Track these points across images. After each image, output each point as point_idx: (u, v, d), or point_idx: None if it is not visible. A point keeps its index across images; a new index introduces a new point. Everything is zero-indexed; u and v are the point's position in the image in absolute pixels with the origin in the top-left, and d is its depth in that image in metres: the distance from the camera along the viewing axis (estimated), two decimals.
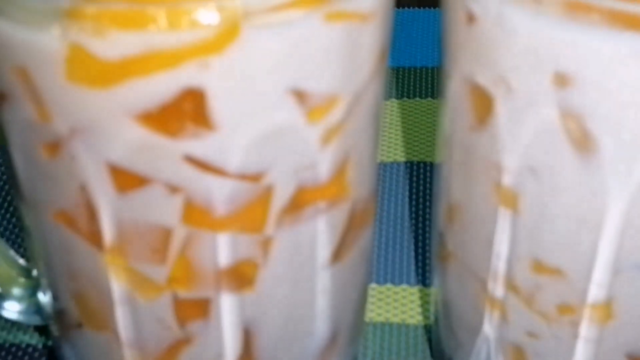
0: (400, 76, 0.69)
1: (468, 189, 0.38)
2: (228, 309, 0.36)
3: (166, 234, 0.34)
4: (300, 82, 0.32)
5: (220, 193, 0.33)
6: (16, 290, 0.45)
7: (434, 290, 0.45)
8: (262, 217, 0.34)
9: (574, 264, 0.35)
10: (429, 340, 0.48)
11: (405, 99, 0.67)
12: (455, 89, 0.37)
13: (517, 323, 0.38)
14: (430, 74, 0.69)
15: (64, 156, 0.33)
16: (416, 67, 0.70)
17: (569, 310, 0.36)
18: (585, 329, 0.37)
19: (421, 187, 0.58)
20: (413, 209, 0.57)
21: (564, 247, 0.35)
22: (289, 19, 0.31)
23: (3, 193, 0.58)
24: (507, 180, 0.35)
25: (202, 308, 0.36)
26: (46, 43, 0.30)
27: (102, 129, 0.32)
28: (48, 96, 0.32)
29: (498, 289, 0.38)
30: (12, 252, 0.45)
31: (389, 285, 0.52)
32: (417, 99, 0.67)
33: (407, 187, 0.59)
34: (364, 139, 0.37)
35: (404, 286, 0.52)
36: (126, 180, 0.33)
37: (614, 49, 0.31)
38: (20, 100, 0.32)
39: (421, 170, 0.60)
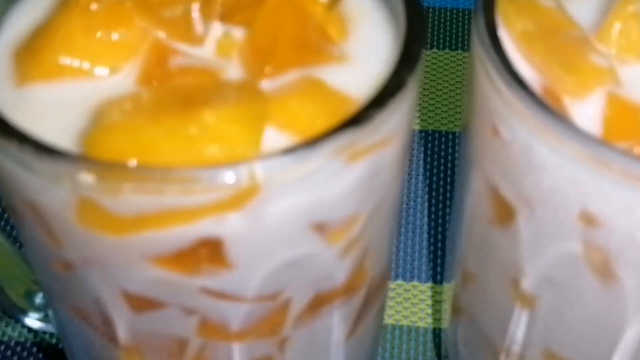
0: None
1: (485, 272, 0.38)
2: None
3: (182, 342, 0.34)
4: (321, 217, 0.31)
5: (235, 314, 0.33)
6: (38, 300, 0.45)
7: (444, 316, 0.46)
8: (279, 325, 0.34)
9: None
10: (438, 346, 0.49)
11: None
12: (477, 184, 0.36)
13: None
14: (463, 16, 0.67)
15: (77, 275, 0.33)
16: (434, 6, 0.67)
17: None
18: None
19: (435, 156, 0.57)
20: (427, 181, 0.56)
21: (578, 346, 0.36)
22: (312, 169, 0.29)
23: None
24: (525, 283, 0.35)
25: None
26: (57, 191, 0.29)
27: (116, 265, 0.31)
28: (59, 230, 0.31)
29: None
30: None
31: (399, 281, 0.52)
32: (435, 50, 0.64)
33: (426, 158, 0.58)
34: (382, 235, 0.36)
35: (415, 283, 0.52)
36: (141, 303, 0.32)
37: (636, 198, 0.30)
38: (32, 225, 0.32)
39: (436, 142, 0.59)
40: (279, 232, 0.30)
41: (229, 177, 0.28)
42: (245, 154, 0.29)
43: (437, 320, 0.50)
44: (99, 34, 0.33)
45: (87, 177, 0.28)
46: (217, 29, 0.34)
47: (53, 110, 0.32)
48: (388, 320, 0.50)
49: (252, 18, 0.33)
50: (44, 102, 0.32)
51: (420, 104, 0.60)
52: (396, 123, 0.32)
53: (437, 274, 0.52)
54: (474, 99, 0.34)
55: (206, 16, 0.34)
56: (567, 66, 0.32)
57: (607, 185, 0.30)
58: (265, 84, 0.32)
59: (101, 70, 0.33)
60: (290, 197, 0.30)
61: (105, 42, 0.33)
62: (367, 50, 0.34)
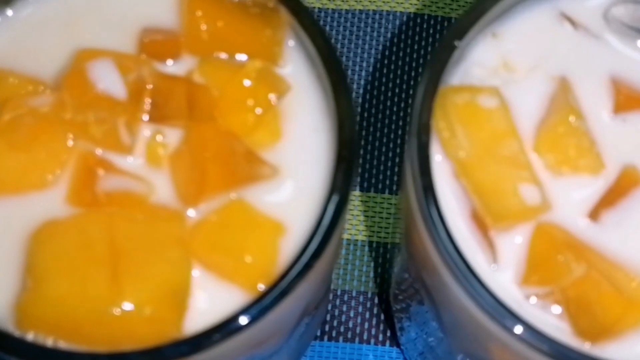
0: None
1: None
2: None
3: None
4: (256, 342, 0.32)
5: None
6: None
7: None
8: None
9: None
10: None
11: None
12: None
13: None
14: None
15: None
16: None
17: None
18: None
19: None
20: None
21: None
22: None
23: None
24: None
25: None
26: None
27: None
28: None
29: None
30: None
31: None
32: None
33: None
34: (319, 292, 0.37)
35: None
36: None
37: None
38: None
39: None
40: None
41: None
42: (171, 332, 0.30)
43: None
44: (23, 150, 0.32)
45: None
46: (146, 129, 0.33)
47: None
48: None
49: (180, 124, 0.33)
50: None
51: None
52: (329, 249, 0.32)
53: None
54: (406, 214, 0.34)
55: (132, 124, 0.33)
56: (494, 214, 0.31)
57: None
58: (193, 212, 0.32)
59: (30, 187, 0.32)
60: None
61: (33, 156, 0.32)
62: (299, 154, 0.33)
